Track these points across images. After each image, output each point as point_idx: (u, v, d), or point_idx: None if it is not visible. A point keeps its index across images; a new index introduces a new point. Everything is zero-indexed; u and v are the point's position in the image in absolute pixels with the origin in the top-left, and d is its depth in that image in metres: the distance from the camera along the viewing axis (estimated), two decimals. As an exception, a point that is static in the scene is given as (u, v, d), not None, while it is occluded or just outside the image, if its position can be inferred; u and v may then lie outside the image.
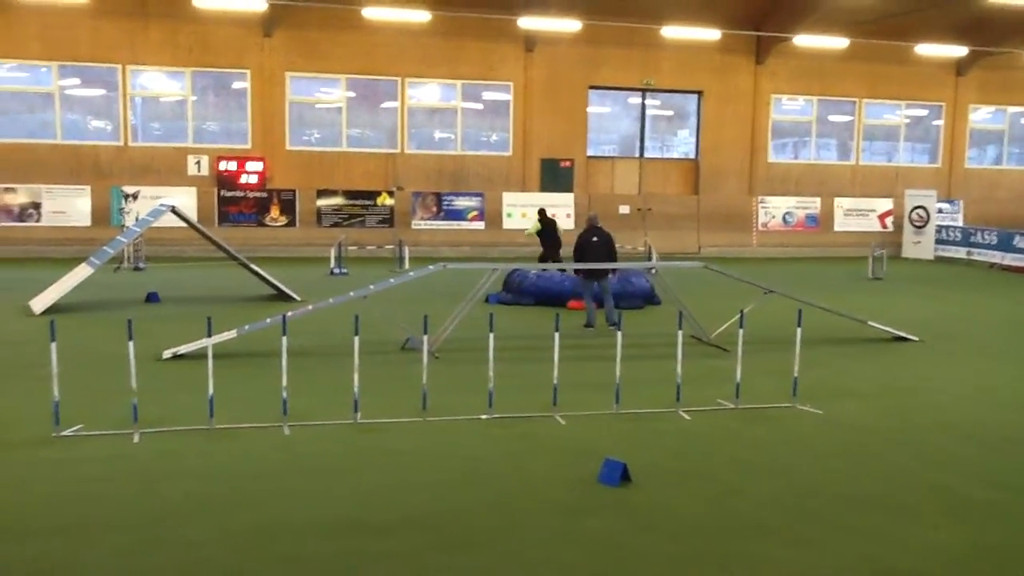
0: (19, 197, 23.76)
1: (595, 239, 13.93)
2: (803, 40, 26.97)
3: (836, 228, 29.30)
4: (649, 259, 22.13)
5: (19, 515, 6.21)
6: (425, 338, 8.86)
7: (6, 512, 6.25)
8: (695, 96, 28.89)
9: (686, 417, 8.89)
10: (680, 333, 9.27)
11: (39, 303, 14.44)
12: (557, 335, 8.75)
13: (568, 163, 27.25)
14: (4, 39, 23.46)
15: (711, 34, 26.54)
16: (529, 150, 26.96)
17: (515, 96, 26.83)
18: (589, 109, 27.85)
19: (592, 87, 27.68)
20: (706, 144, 28.96)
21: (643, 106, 28.55)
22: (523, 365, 11.04)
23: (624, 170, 28.47)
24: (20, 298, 15.11)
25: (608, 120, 29.12)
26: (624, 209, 27.38)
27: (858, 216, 29.59)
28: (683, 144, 29.85)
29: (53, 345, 7.80)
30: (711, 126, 28.85)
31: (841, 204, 29.49)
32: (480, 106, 26.99)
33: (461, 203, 26.31)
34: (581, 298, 15.72)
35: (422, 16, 24.36)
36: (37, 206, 23.82)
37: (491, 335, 8.72)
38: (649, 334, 13.15)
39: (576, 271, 14.45)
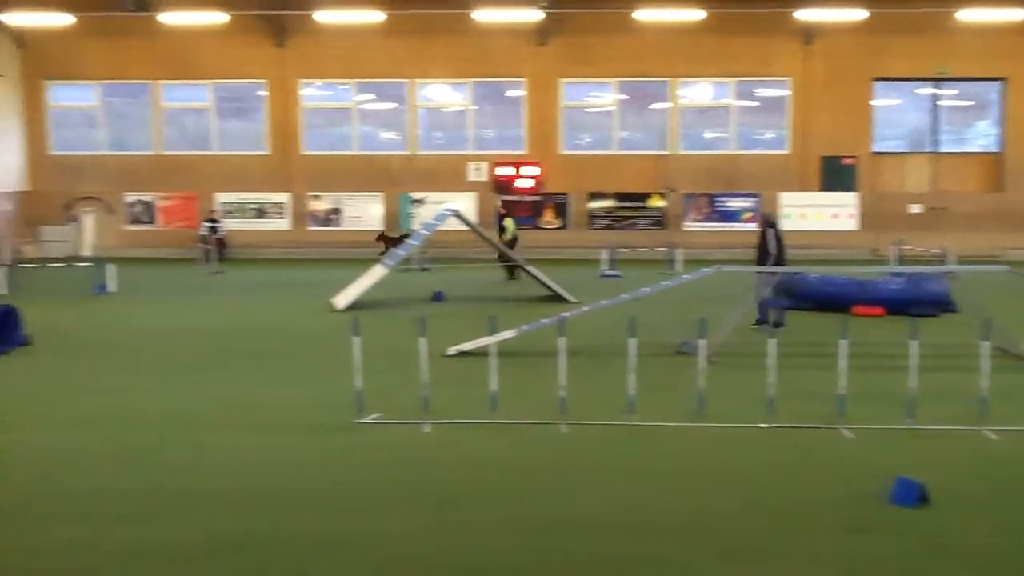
0: (323, 204, 26.18)
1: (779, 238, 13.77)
2: None
3: None
4: (944, 263, 20.37)
5: (321, 493, 6.81)
6: (702, 342, 8.70)
7: (310, 490, 6.88)
8: (997, 83, 26.22)
9: (993, 437, 8.06)
10: (986, 344, 8.42)
11: (341, 300, 15.83)
12: (843, 342, 8.26)
13: (851, 160, 25.71)
14: (311, 61, 25.94)
15: (1016, 14, 23.95)
16: (808, 147, 25.75)
17: (793, 91, 25.73)
18: (873, 102, 26.12)
19: (877, 78, 25.94)
20: (1011, 136, 26.19)
21: (935, 96, 26.33)
22: (804, 372, 10.54)
23: (914, 166, 26.41)
24: (325, 295, 16.59)
25: (895, 113, 27.16)
26: (915, 208, 25.39)
27: None
28: (982, 136, 27.20)
29: (356, 340, 8.48)
30: (1017, 116, 26.04)
31: None
32: (755, 103, 26.16)
33: (735, 204, 25.64)
34: (868, 303, 14.81)
35: (696, 15, 24.02)
36: (338, 212, 26.13)
37: (771, 341, 8.40)
38: (946, 344, 12.08)
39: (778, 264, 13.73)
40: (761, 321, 13.16)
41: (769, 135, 26.28)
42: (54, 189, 26.37)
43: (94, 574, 5.46)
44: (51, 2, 23.69)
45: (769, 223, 14.15)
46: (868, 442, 7.99)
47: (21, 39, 25.70)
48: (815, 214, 25.50)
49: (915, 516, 6.25)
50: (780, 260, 13.75)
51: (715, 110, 26.28)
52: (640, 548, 5.78)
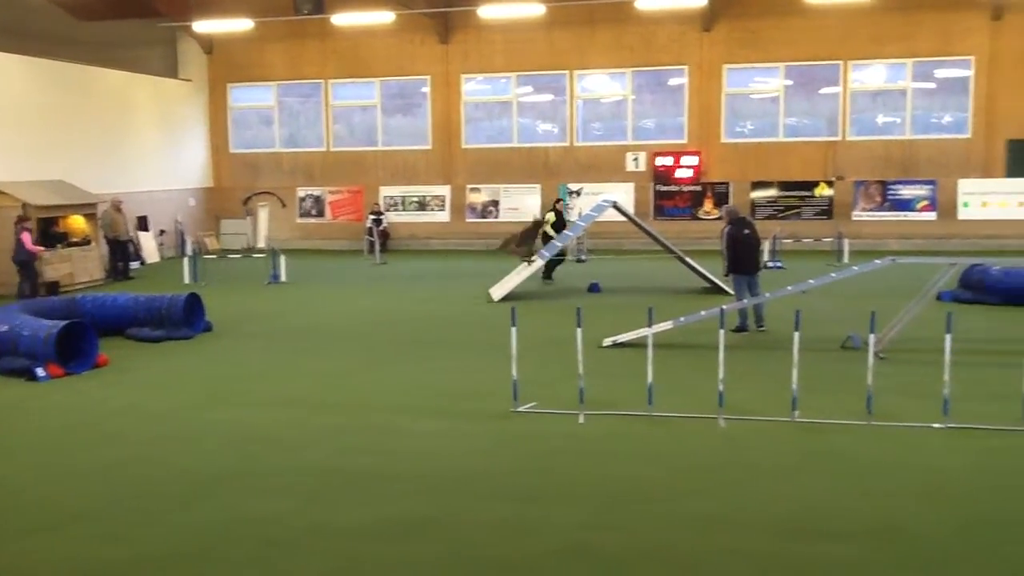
0: (482, 196, 26.64)
1: (746, 231, 12.68)
2: None
3: None
4: None
5: (490, 479, 6.99)
6: (872, 337, 8.29)
7: (480, 475, 7.06)
8: None
9: None
10: None
11: (498, 291, 16.07)
12: (1031, 339, 7.68)
13: (1041, 143, 23.79)
14: (473, 57, 26.41)
15: None
16: (993, 131, 23.99)
17: (977, 71, 24.04)
18: (1070, 80, 24.04)
19: (1075, 54, 23.86)
20: None
21: None
22: (986, 370, 9.87)
23: (1117, 148, 24.12)
24: (483, 286, 16.89)
25: (1096, 91, 24.88)
26: (1116, 194, 23.26)
27: None
28: None
29: (513, 330, 8.60)
30: None
31: None
32: (932, 85, 24.62)
33: (909, 192, 24.24)
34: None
35: (869, -7, 22.84)
36: (496, 204, 26.52)
37: (947, 336, 7.90)
38: None
39: (735, 269, 12.70)
40: (741, 328, 12.41)
41: (948, 118, 24.67)
42: (234, 185, 28.04)
43: (290, 547, 5.81)
44: (235, 9, 25.19)
45: (731, 219, 13.10)
46: (1058, 447, 7.40)
47: (208, 45, 27.47)
48: (999, 202, 23.73)
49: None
50: (737, 261, 12.66)
51: (890, 93, 24.90)
52: (816, 549, 5.60)
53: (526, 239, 17.76)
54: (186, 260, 19.82)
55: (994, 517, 6.04)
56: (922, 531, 5.83)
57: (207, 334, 13.33)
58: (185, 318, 13.05)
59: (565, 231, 17.83)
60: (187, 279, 18.99)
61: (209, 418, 8.88)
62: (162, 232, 24.89)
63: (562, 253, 17.82)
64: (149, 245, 24.00)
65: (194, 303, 13.40)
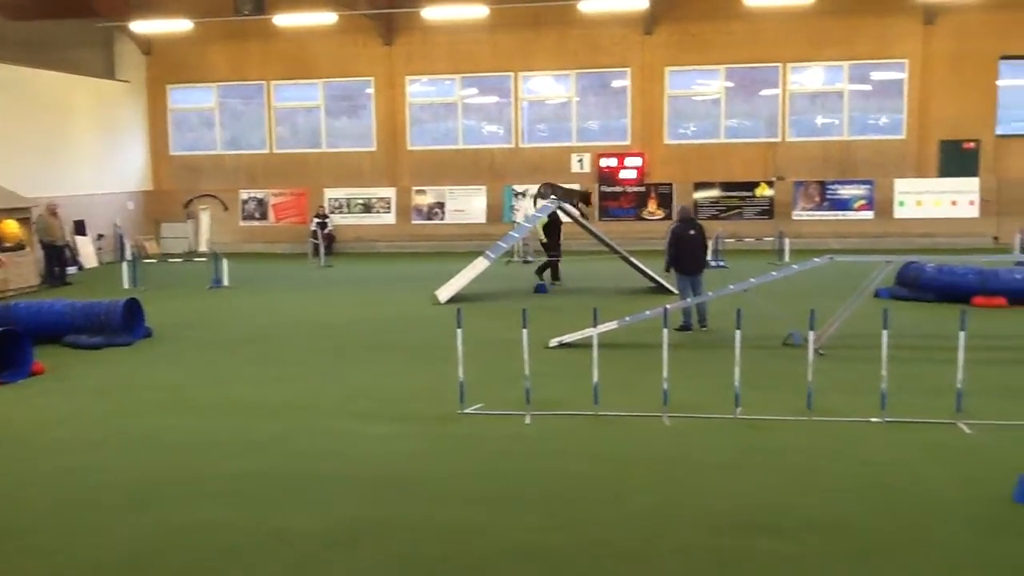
0: (428, 198, 26.56)
1: (692, 232, 12.85)
2: None
3: None
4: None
5: (439, 482, 6.97)
6: (811, 334, 8.46)
7: (429, 478, 7.04)
8: None
9: None
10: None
11: (444, 293, 16.05)
12: (963, 334, 7.91)
13: (972, 144, 24.50)
14: (417, 58, 26.32)
15: None
16: (926, 132, 24.65)
17: (910, 74, 24.67)
18: (999, 82, 24.81)
19: (1004, 57, 24.60)
20: None
21: (1068, 74, 24.79)
22: (920, 366, 10.14)
23: (1043, 149, 24.95)
24: (429, 288, 16.85)
25: (1022, 94, 25.68)
26: (1042, 194, 24.04)
27: None
28: (1121, 115, 25.46)
29: (459, 332, 8.59)
30: None
31: None
32: (868, 87, 25.20)
33: (847, 191, 24.79)
34: (989, 294, 14.13)
35: (808, -3, 23.28)
36: (441, 206, 26.46)
37: (884, 332, 8.10)
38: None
39: (676, 267, 13.01)
40: (684, 327, 12.64)
41: (884, 120, 25.28)
42: (174, 188, 27.54)
43: (237, 554, 5.73)
44: (174, 9, 24.76)
45: (680, 217, 13.34)
46: (990, 438, 7.64)
47: (146, 46, 26.94)
48: (933, 201, 24.40)
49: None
50: (678, 260, 12.85)
51: (828, 95, 25.44)
52: (758, 544, 5.69)
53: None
54: (125, 265, 19.42)
55: (928, 507, 6.20)
56: (860, 524, 5.96)
57: (147, 340, 13.07)
58: (124, 324, 12.79)
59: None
60: (126, 284, 18.61)
61: (150, 425, 8.71)
62: (100, 236, 24.34)
63: (557, 252, 17.95)
64: (87, 250, 23.46)
65: (133, 309, 13.14)
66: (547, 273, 17.90)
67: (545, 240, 18.01)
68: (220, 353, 12.17)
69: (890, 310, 8.56)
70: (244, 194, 27.33)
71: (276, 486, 6.91)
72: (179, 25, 24.78)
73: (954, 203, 24.33)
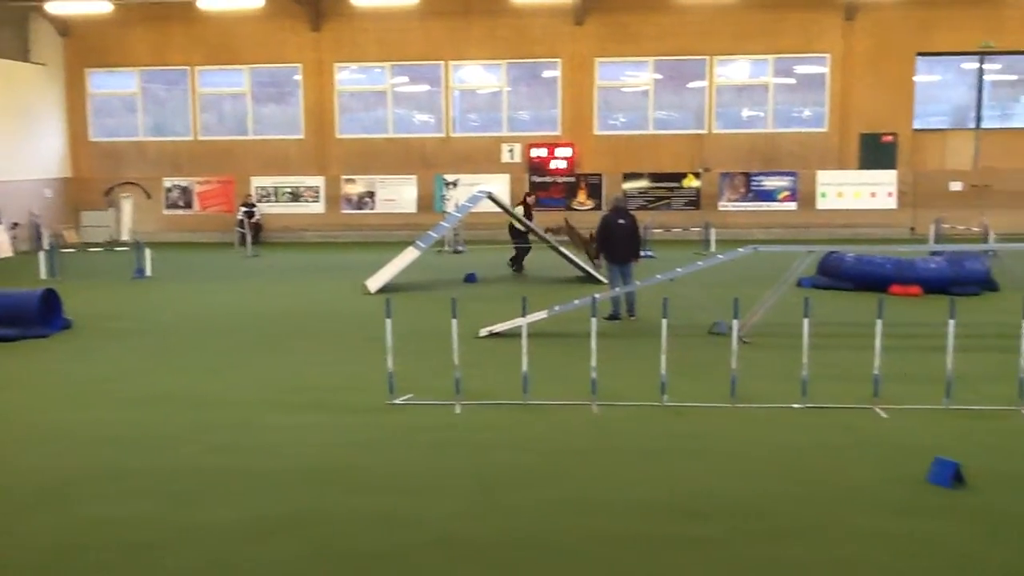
0: (358, 187, 26.30)
1: (621, 221, 13.06)
2: None
3: None
4: (985, 241, 19.97)
5: (364, 472, 6.93)
6: (735, 323, 8.63)
7: (354, 469, 6.99)
8: (1045, 56, 25.50)
9: (1033, 417, 7.93)
10: (1027, 323, 8.25)
11: (374, 283, 15.91)
12: (880, 322, 8.16)
13: (890, 138, 25.25)
14: (347, 45, 25.99)
15: (1068, -16, 23.26)
16: (847, 125, 25.32)
17: (832, 68, 25.29)
18: (916, 78, 25.60)
19: (921, 54, 25.39)
20: (1059, 110, 25.51)
21: (980, 72, 25.73)
22: (840, 353, 10.43)
23: (957, 143, 25.84)
24: (358, 278, 16.69)
25: (938, 89, 26.55)
26: (955, 186, 24.91)
27: None
28: (1029, 111, 26.50)
29: (388, 322, 8.54)
30: (1066, 89, 25.35)
31: None
32: (792, 81, 25.76)
33: (771, 183, 25.32)
34: (905, 283, 14.59)
35: (734, -8, 23.68)
36: (372, 195, 26.23)
37: (805, 320, 8.32)
38: (985, 323, 11.87)
39: (605, 256, 13.31)
40: (614, 316, 12.82)
41: (807, 113, 25.89)
42: (94, 175, 26.73)
43: (149, 549, 5.59)
44: (91, -10, 24.03)
45: (611, 207, 13.56)
46: (904, 422, 7.91)
47: (64, 27, 26.05)
48: (853, 192, 25.11)
49: (953, 496, 6.19)
50: (607, 249, 13.06)
51: (753, 88, 25.93)
52: (680, 528, 5.79)
53: (582, 240, 17.75)
54: (42, 254, 18.78)
55: (846, 489, 6.39)
56: (781, 507, 6.12)
57: (66, 332, 12.67)
58: (40, 315, 12.37)
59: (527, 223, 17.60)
60: (44, 274, 18.01)
61: (65, 419, 8.46)
62: (15, 225, 23.51)
63: (527, 241, 17.80)
64: (1, 239, 22.64)
65: (51, 299, 12.72)
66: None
67: (522, 229, 17.77)
68: (142, 345, 11.87)
69: (811, 299, 8.79)
70: (168, 182, 26.68)
71: (196, 479, 6.77)
72: (98, 6, 24.02)
73: (873, 195, 25.07)
